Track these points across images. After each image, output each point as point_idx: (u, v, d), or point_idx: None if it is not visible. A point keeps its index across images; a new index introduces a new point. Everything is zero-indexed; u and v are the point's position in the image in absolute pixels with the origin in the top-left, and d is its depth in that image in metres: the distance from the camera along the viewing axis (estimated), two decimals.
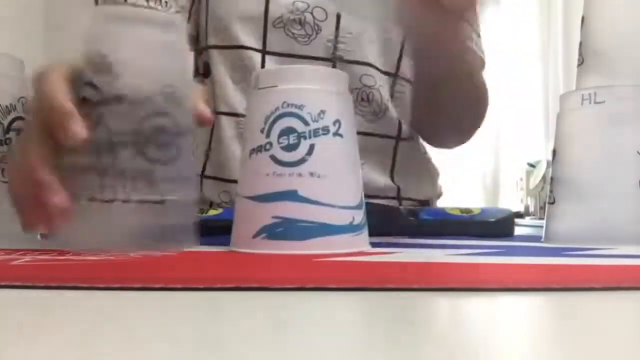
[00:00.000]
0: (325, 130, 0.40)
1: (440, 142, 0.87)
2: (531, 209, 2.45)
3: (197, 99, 0.45)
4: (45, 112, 0.40)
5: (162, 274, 0.31)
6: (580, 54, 0.52)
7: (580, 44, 0.53)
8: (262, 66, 0.73)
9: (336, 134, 0.40)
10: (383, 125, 0.77)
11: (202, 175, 0.78)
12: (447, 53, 0.66)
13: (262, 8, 0.73)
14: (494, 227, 0.58)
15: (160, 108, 0.40)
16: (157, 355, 0.17)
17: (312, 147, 0.39)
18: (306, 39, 0.73)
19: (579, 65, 0.53)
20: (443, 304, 0.25)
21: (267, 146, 0.40)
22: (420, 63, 0.73)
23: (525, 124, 2.75)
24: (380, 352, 0.17)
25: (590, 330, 0.20)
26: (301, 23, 0.73)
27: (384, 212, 0.58)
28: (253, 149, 0.40)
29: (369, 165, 0.76)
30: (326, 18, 0.74)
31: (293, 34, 0.73)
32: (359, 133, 0.43)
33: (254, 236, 0.39)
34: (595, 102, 0.47)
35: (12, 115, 0.51)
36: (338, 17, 0.74)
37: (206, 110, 0.46)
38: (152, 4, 0.67)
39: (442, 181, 0.89)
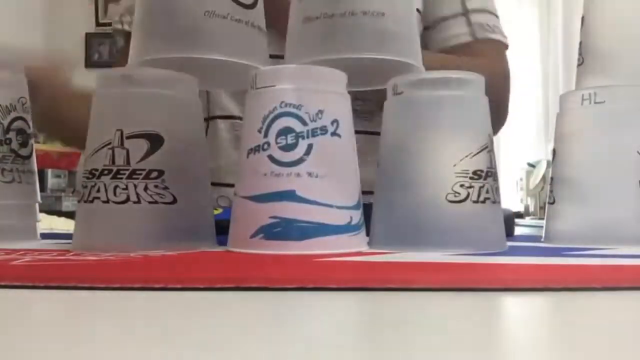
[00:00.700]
0: (324, 130, 0.40)
1: None
2: (531, 209, 2.44)
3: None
4: None
5: (162, 274, 0.31)
6: (580, 54, 0.52)
7: (580, 44, 0.53)
8: None
9: (334, 133, 0.40)
10: (378, 123, 0.77)
11: None
12: None
13: None
14: None
15: None
16: (157, 355, 0.17)
17: (310, 147, 0.39)
18: None
19: (579, 65, 0.52)
20: (443, 304, 0.25)
21: (265, 146, 0.39)
22: None
23: (525, 124, 2.75)
24: (380, 351, 0.17)
25: (590, 330, 0.20)
26: None
27: None
28: (251, 149, 0.40)
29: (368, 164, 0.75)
30: None
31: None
32: (356, 132, 0.43)
33: (252, 236, 0.39)
34: (595, 102, 0.47)
35: (12, 115, 0.51)
36: None
37: None
38: None
39: None
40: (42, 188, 2.69)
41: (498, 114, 0.81)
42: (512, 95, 0.84)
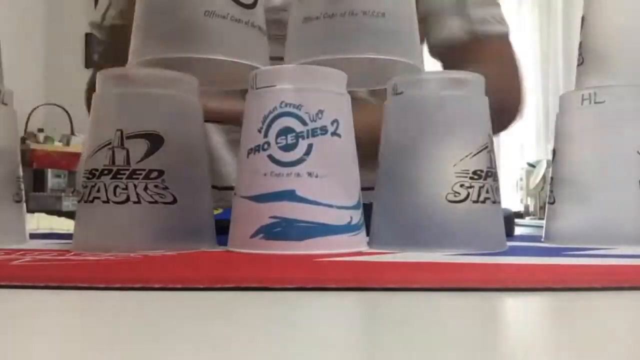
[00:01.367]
0: (324, 130, 0.40)
1: None
2: (531, 209, 2.44)
3: None
4: None
5: (162, 274, 0.31)
6: (580, 54, 0.52)
7: (580, 44, 0.53)
8: None
9: (334, 133, 0.40)
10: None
11: None
12: None
13: None
14: None
15: None
16: (157, 355, 0.17)
17: (310, 146, 0.39)
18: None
19: (579, 65, 0.52)
20: (443, 304, 0.25)
21: (265, 146, 0.39)
22: None
23: (525, 124, 2.75)
24: (380, 351, 0.17)
25: (590, 330, 0.20)
26: (282, 23, 0.72)
27: None
28: (251, 149, 0.40)
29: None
30: None
31: (273, 35, 0.72)
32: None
33: (252, 236, 0.39)
34: (595, 102, 0.47)
35: None
36: None
37: None
38: None
39: None
40: (42, 188, 2.69)
41: (515, 110, 0.80)
42: None
